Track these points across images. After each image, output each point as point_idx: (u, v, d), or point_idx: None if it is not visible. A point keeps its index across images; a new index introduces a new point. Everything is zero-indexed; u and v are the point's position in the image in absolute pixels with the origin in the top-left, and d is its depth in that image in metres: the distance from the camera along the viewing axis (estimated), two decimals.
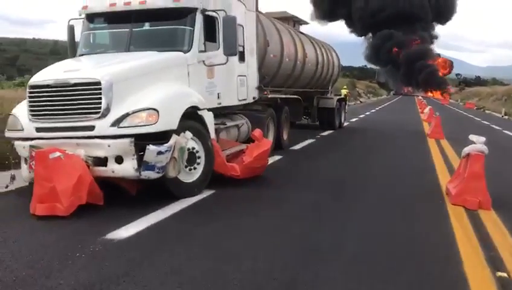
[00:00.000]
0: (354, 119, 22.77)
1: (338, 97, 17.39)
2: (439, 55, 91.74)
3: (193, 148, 6.25)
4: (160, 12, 6.79)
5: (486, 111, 43.93)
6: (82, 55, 7.15)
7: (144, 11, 6.81)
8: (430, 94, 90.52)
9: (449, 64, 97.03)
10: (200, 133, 6.40)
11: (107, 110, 5.50)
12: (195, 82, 6.75)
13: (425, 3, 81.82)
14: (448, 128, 15.80)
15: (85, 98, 5.55)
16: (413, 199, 6.88)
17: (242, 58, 8.37)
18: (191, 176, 6.28)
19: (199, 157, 6.36)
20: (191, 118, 6.32)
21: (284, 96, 11.35)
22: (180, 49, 6.68)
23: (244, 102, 8.56)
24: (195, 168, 6.32)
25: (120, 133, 5.47)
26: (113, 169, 5.50)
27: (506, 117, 31.84)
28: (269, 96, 10.16)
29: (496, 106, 47.40)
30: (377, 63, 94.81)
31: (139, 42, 6.90)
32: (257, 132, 7.32)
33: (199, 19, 6.88)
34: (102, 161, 5.53)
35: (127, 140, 5.44)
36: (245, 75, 8.49)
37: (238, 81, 8.16)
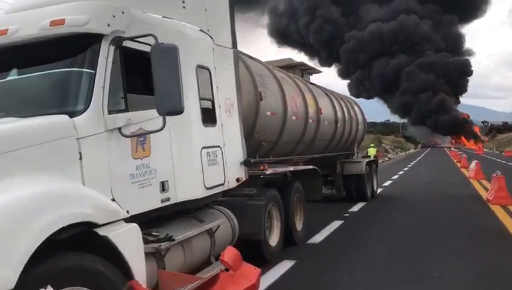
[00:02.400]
0: (387, 183, 19.12)
1: (367, 160, 13.95)
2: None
3: None
4: (35, 47, 3.71)
5: None
6: None
7: (6, 48, 3.74)
8: (460, 144, 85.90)
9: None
10: (98, 280, 3.06)
11: None
12: (99, 169, 3.53)
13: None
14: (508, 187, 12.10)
15: None
16: None
17: (211, 119, 5.18)
18: None
19: None
20: (79, 248, 3.04)
21: (292, 168, 8.02)
22: (68, 109, 3.53)
23: (218, 189, 5.25)
24: None
25: None
26: None
27: None
28: (268, 172, 6.84)
29: None
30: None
31: None
32: (228, 255, 3.94)
33: (107, 53, 3.76)
34: None
35: None
36: (218, 146, 5.24)
37: (205, 157, 4.90)
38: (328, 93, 11.74)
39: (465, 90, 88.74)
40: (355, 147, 13.99)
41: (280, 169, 7.52)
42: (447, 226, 9.38)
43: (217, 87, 5.37)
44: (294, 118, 8.65)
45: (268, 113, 7.49)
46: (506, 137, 76.83)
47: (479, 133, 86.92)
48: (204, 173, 4.83)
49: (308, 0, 79.88)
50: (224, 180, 5.33)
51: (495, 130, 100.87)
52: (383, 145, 59.08)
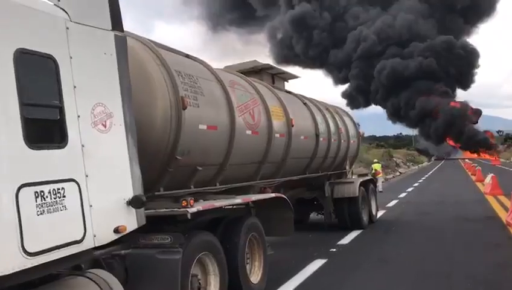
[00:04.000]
0: (392, 203, 16.94)
1: (362, 179, 11.87)
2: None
3: None
4: None
5: None
6: None
7: None
8: (475, 155, 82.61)
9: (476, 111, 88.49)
10: None
11: None
12: None
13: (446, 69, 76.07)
14: None
15: None
16: None
17: (53, 136, 3.27)
18: None
19: None
20: None
21: (240, 199, 6.00)
22: None
23: (65, 251, 3.21)
24: None
25: None
26: None
27: None
28: (195, 209, 4.85)
29: None
30: (402, 121, 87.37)
31: None
32: None
33: None
34: None
35: None
36: (70, 180, 3.27)
37: (28, 201, 2.93)
38: (306, 102, 9.76)
39: (472, 82, 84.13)
40: (347, 165, 11.91)
41: (220, 203, 5.51)
42: (459, 267, 7.24)
43: (75, 87, 3.44)
44: (249, 132, 6.68)
45: (203, 126, 5.53)
46: None
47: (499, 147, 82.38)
48: (23, 229, 2.85)
49: (300, 26, 78.46)
50: (84, 235, 3.33)
51: (511, 139, 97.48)
52: (394, 159, 56.56)
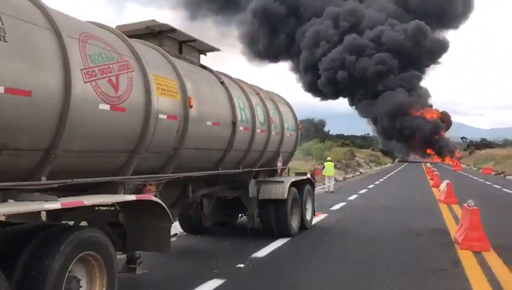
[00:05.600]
0: (338, 205, 15.37)
1: (295, 178, 10.11)
2: (431, 106, 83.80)
3: None
4: None
5: (508, 177, 36.79)
6: None
7: None
8: (438, 159, 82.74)
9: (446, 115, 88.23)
10: None
11: None
12: None
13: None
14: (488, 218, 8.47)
15: None
16: None
17: None
18: None
19: None
20: None
21: (57, 205, 4.06)
22: None
23: None
24: None
25: None
26: None
27: None
28: None
29: None
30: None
31: None
32: None
33: None
34: None
35: None
36: None
37: None
38: (224, 81, 7.89)
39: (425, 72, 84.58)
40: (278, 161, 10.13)
41: (4, 209, 3.57)
42: None
43: None
44: (106, 107, 4.76)
45: None
46: (484, 153, 74.37)
47: (458, 154, 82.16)
48: None
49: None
50: None
51: (473, 146, 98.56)
52: (356, 158, 55.58)
